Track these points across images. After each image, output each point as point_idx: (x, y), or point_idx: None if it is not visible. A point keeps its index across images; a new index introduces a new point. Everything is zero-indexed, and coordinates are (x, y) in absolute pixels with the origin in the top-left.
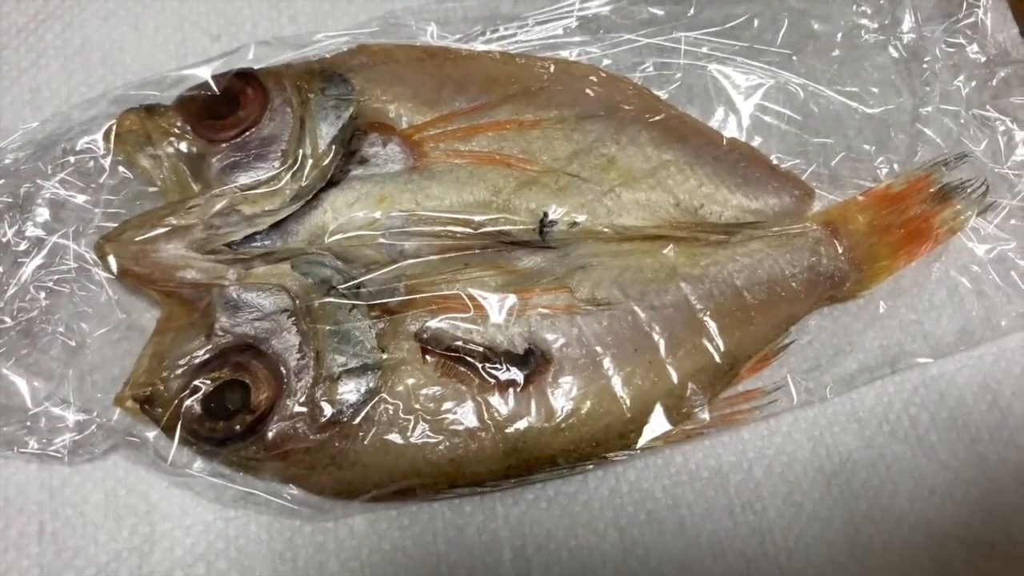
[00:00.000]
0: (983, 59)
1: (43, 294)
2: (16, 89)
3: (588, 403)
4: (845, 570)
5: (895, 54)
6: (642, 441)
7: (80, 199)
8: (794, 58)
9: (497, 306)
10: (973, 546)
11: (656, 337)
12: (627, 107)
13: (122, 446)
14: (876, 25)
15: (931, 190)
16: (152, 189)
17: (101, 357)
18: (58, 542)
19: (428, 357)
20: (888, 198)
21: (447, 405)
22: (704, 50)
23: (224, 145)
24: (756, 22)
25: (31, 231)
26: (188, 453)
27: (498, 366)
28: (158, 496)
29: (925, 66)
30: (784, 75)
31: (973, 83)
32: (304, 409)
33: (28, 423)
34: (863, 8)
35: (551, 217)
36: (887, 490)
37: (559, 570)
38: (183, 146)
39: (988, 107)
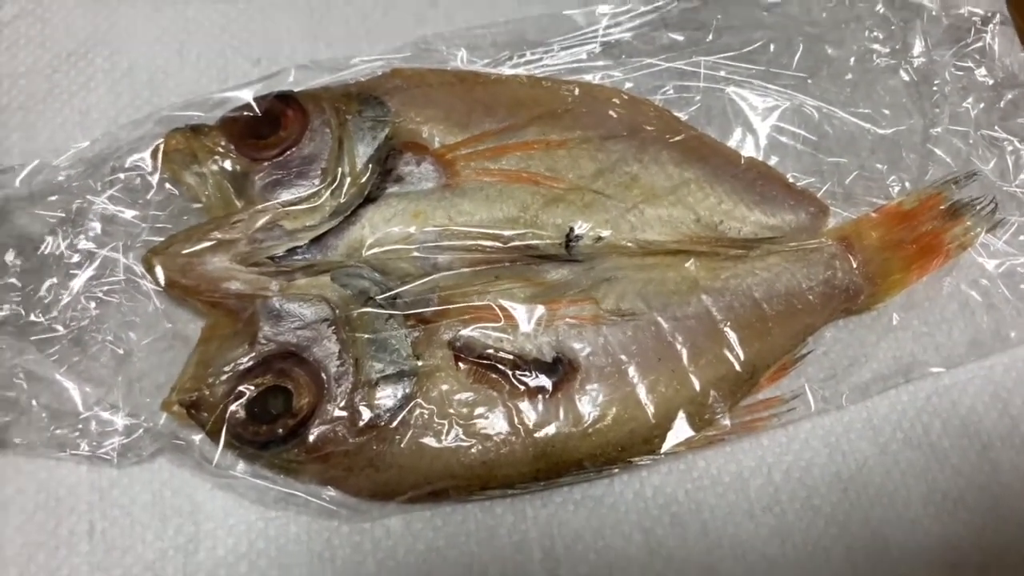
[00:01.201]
0: (991, 82)
1: (93, 304)
2: (67, 111)
3: (614, 409)
4: (863, 571)
5: (906, 77)
6: (666, 446)
7: (129, 214)
8: (809, 81)
9: (526, 316)
10: (986, 550)
11: (679, 347)
12: (649, 128)
13: (168, 449)
14: (888, 50)
15: (942, 207)
16: (197, 205)
17: (148, 364)
18: (107, 541)
19: (461, 364)
20: (900, 215)
21: (479, 410)
22: (722, 73)
23: (266, 163)
24: (772, 47)
25: (83, 244)
26: (232, 456)
27: (527, 373)
28: (203, 497)
29: (935, 89)
30: (799, 97)
31: (982, 105)
32: (344, 413)
33: (79, 427)
34: (875, 33)
35: (577, 232)
36: (901, 495)
37: (587, 570)
38: (227, 164)
39: (996, 128)
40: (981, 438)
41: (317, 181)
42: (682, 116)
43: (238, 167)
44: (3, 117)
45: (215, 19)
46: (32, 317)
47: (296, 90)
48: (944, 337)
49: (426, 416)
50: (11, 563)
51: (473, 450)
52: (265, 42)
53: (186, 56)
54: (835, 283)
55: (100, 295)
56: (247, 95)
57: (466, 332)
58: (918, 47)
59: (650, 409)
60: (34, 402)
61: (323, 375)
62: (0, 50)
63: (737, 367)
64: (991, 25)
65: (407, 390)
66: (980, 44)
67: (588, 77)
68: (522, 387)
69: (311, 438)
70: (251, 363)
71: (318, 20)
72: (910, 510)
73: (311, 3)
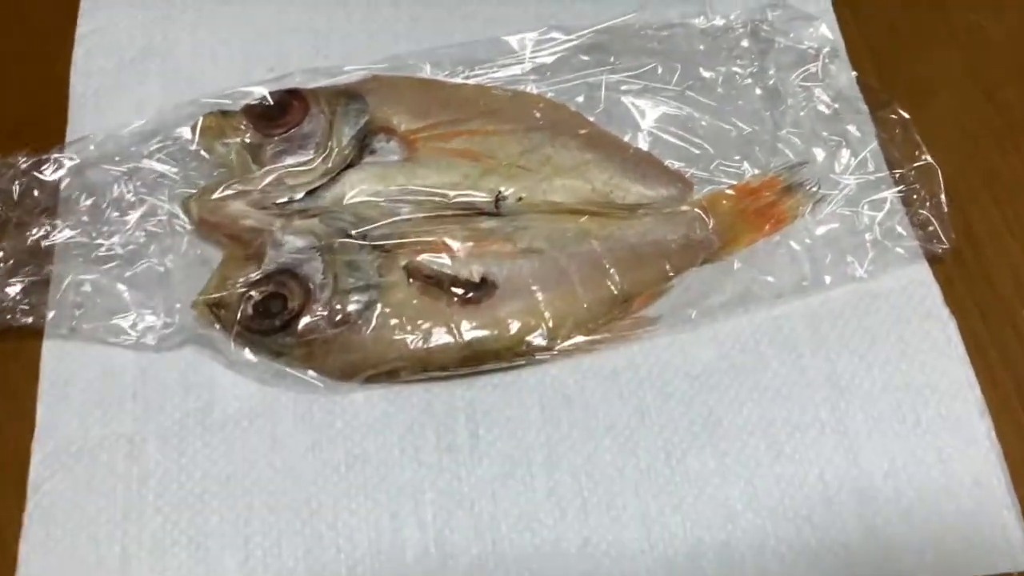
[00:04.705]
0: (825, 97)
1: (143, 235)
2: (128, 99)
3: (522, 317)
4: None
5: (760, 92)
6: (560, 347)
7: (171, 172)
8: (686, 93)
9: (462, 250)
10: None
11: (572, 275)
12: (562, 123)
13: (194, 340)
14: (748, 72)
15: (780, 186)
16: (222, 168)
17: (182, 280)
18: (146, 402)
19: (412, 280)
20: (748, 190)
21: (424, 313)
22: (622, 88)
23: (275, 138)
24: (659, 69)
25: (136, 192)
26: (241, 344)
27: (461, 289)
28: (217, 375)
29: (781, 101)
30: (678, 105)
31: (816, 114)
32: (325, 312)
33: (129, 322)
34: (740, 60)
35: (504, 194)
36: (734, 384)
37: (498, 431)
38: (247, 138)
39: (825, 132)
40: (797, 348)
41: (312, 152)
42: (589, 117)
43: (254, 140)
44: (82, 103)
45: (241, 37)
46: (98, 242)
47: (300, 88)
48: (775, 279)
49: (385, 316)
50: (75, 415)
51: (418, 342)
52: (278, 55)
53: (218, 62)
54: (693, 238)
55: (148, 229)
56: (263, 90)
57: (417, 259)
58: (771, 71)
59: (549, 319)
60: (97, 302)
61: (311, 285)
62: (80, 54)
63: (615, 292)
64: (823, 56)
65: (372, 298)
66: (816, 70)
67: (520, 87)
68: (456, 298)
69: (300, 329)
70: (258, 277)
71: (318, 41)
72: (740, 394)
73: (314, 28)
